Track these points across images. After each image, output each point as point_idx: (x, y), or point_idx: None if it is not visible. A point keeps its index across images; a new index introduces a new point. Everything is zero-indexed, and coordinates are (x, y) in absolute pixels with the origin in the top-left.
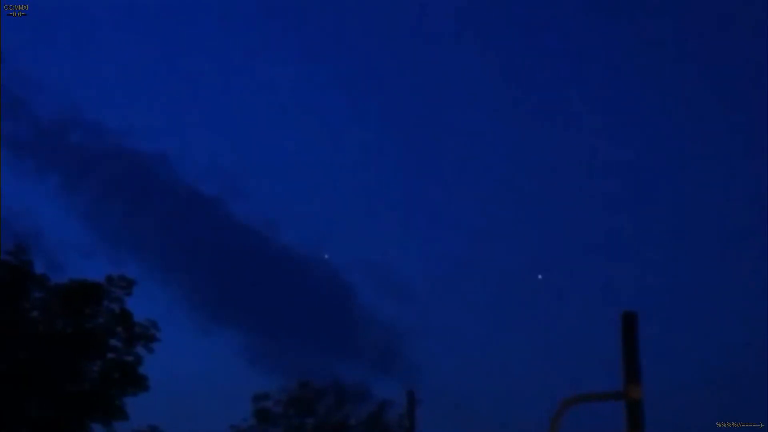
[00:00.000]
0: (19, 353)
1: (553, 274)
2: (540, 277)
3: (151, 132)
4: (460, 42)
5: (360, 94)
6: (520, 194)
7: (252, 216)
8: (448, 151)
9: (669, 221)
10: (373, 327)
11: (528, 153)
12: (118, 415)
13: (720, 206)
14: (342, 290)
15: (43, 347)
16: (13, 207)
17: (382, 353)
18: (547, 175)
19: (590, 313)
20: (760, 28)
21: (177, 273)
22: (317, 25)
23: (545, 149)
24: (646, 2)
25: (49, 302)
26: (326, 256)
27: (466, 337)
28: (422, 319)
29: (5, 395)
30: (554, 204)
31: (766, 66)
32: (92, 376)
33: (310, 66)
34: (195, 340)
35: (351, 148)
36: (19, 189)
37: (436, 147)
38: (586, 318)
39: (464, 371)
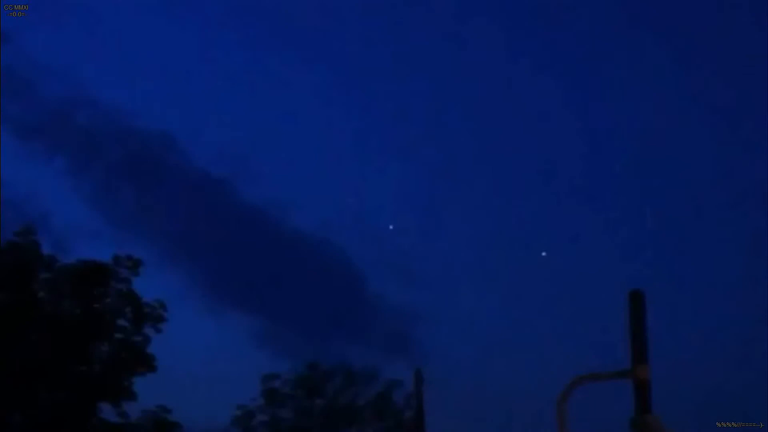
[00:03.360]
0: (30, 336)
1: (559, 251)
2: (544, 254)
3: (159, 112)
4: (465, 30)
5: (371, 75)
6: (524, 172)
7: (262, 198)
8: (455, 133)
9: (679, 197)
10: (382, 309)
11: (531, 131)
12: (127, 395)
13: (734, 180)
14: (352, 273)
15: (53, 329)
16: (20, 189)
17: (391, 335)
18: (551, 153)
19: (598, 291)
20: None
21: (186, 255)
22: (325, 9)
23: (548, 127)
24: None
25: (56, 283)
26: (327, 236)
27: (474, 318)
28: (430, 300)
29: (17, 378)
30: (559, 180)
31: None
32: (101, 356)
33: (322, 48)
34: (204, 321)
35: (364, 132)
36: (26, 171)
37: (444, 131)
38: (594, 296)
39: (472, 352)
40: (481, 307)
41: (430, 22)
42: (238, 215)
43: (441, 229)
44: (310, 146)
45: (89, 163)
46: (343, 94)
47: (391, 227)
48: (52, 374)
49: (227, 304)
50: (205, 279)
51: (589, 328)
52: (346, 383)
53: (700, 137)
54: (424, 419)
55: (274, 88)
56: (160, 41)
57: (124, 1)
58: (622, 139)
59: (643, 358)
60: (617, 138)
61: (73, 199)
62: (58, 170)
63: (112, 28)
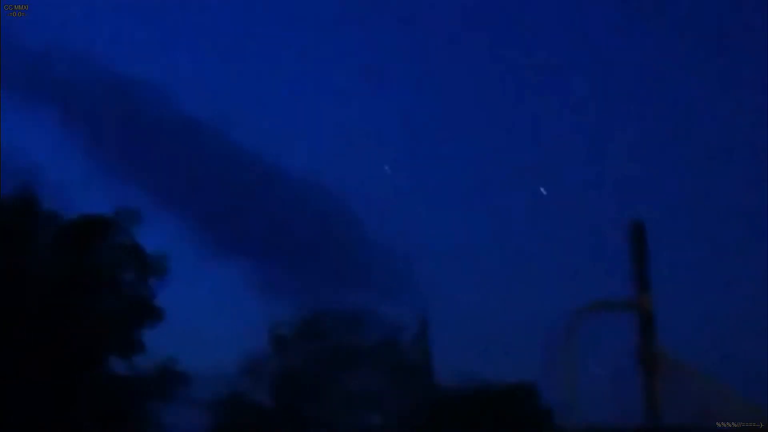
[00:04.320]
0: (31, 295)
1: (557, 185)
2: (543, 191)
3: (148, 60)
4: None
5: (369, 19)
6: (523, 106)
7: (257, 144)
8: (452, 73)
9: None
10: (382, 252)
11: (525, 58)
12: (136, 348)
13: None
14: (348, 217)
15: (55, 286)
16: (10, 144)
17: (392, 278)
18: (546, 80)
19: (601, 223)
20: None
21: (182, 204)
22: None
23: (546, 53)
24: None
25: (57, 239)
26: (323, 180)
27: (475, 256)
28: (429, 241)
29: (22, 339)
30: (556, 111)
31: None
32: (107, 310)
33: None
34: (203, 270)
35: (357, 74)
36: (14, 125)
37: (435, 74)
38: (596, 228)
39: (474, 290)
40: (483, 245)
41: None
42: (232, 162)
43: (439, 168)
44: (307, 92)
45: (78, 113)
46: (337, 35)
47: (386, 168)
48: (60, 332)
49: (226, 251)
50: (201, 227)
51: (593, 263)
52: (350, 328)
53: (710, 81)
54: (431, 360)
55: (267, 33)
56: None
57: None
58: (623, 65)
59: (646, 288)
60: (617, 65)
61: (63, 151)
62: (46, 122)
63: None
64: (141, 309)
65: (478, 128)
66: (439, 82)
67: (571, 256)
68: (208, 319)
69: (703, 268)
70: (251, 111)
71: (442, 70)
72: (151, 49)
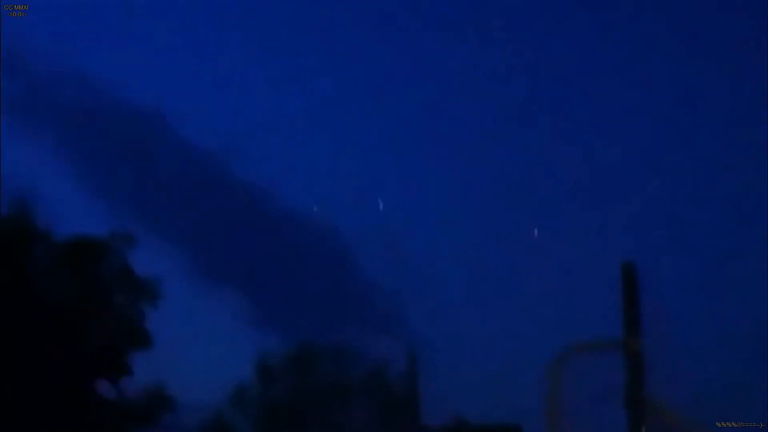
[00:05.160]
0: (21, 314)
1: (550, 224)
2: (536, 232)
3: (149, 86)
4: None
5: (368, 51)
6: (512, 146)
7: (253, 175)
8: (440, 105)
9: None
10: (371, 288)
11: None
12: (124, 371)
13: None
14: (341, 252)
15: (47, 307)
16: (8, 166)
17: (382, 314)
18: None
19: (590, 263)
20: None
21: (176, 232)
22: None
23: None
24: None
25: (52, 260)
26: (315, 209)
27: (466, 295)
28: (420, 277)
29: (13, 361)
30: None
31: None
32: (97, 333)
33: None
34: (194, 299)
35: (353, 110)
36: (12, 147)
37: (432, 104)
38: (586, 268)
39: (464, 328)
40: (473, 284)
41: None
42: (229, 192)
43: (433, 209)
44: (303, 124)
45: (77, 138)
46: (338, 68)
47: (380, 205)
48: (50, 355)
49: (218, 281)
50: (194, 255)
51: (583, 301)
52: (338, 361)
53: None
54: (419, 398)
55: (267, 62)
56: (151, 16)
57: None
58: (617, 101)
59: (635, 330)
60: (610, 100)
61: (60, 175)
62: (45, 146)
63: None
64: (131, 333)
65: (472, 167)
66: (437, 117)
67: (562, 296)
68: (197, 346)
69: (701, 335)
70: (251, 142)
71: (438, 107)
72: (152, 74)
